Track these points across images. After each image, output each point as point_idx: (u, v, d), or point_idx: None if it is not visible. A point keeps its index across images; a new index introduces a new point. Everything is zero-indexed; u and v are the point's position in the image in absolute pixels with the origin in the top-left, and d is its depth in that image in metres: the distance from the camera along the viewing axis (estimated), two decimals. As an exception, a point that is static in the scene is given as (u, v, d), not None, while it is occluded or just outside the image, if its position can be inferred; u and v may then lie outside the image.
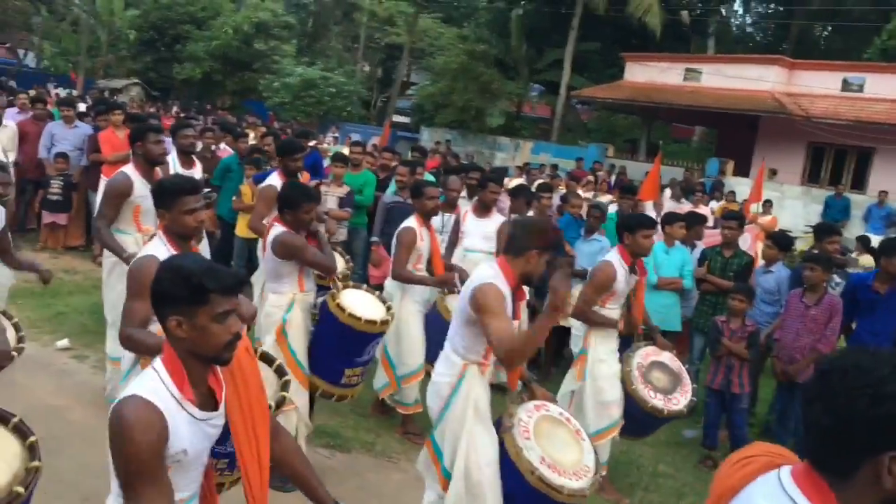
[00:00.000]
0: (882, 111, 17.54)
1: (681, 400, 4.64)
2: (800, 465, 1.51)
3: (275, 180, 5.62)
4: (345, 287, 4.52)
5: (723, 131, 23.40)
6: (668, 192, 11.84)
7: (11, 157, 8.27)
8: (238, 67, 29.79)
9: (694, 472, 5.55)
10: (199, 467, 2.13)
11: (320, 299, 4.48)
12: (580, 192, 10.19)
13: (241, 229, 7.24)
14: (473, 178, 7.44)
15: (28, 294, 6.87)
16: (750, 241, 9.27)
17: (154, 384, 1.96)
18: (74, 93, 22.25)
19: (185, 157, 6.15)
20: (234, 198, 7.45)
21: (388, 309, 4.51)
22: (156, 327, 2.62)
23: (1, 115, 8.65)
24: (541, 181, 9.87)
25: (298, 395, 4.22)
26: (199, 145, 8.09)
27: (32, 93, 12.13)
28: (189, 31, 29.87)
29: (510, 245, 3.42)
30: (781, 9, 28.93)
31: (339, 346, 4.32)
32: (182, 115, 18.96)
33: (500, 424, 3.38)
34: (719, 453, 5.65)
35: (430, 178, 8.57)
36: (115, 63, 31.91)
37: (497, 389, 3.77)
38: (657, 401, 4.56)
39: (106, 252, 4.97)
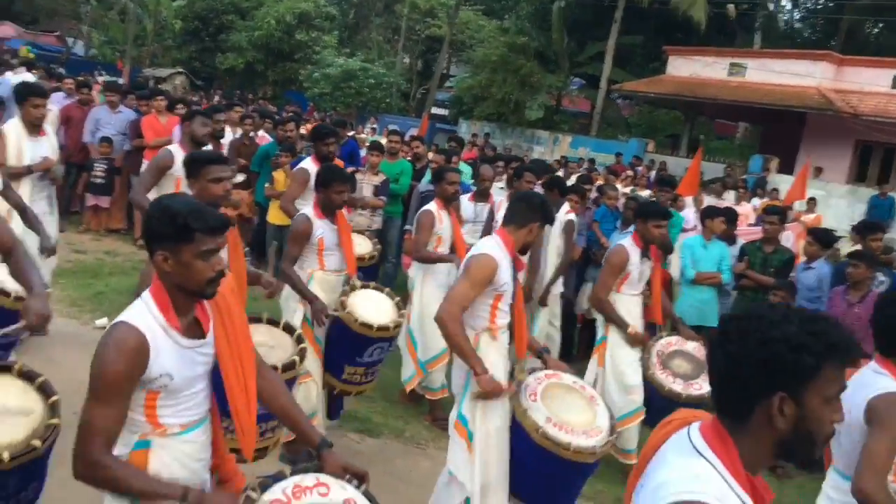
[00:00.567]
0: (934, 109, 17.07)
1: (703, 385, 4.45)
2: (707, 420, 1.59)
3: (308, 164, 5.85)
4: (363, 286, 4.48)
5: (767, 128, 22.95)
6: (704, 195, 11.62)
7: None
8: (280, 58, 30.08)
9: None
10: (194, 399, 2.20)
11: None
12: (618, 186, 10.07)
13: (274, 216, 7.29)
14: (512, 169, 7.40)
15: (70, 274, 7.03)
16: (793, 240, 9.08)
17: (140, 311, 2.11)
18: (120, 81, 22.65)
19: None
20: (265, 184, 7.51)
21: (401, 316, 4.46)
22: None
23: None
24: (580, 174, 9.79)
25: (314, 364, 4.28)
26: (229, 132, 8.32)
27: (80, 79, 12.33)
28: (233, 21, 30.26)
29: (512, 217, 3.59)
30: (831, 4, 28.24)
31: (339, 341, 4.34)
32: (223, 103, 19.17)
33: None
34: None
35: (466, 168, 8.56)
36: (161, 52, 32.45)
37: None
38: (675, 385, 4.48)
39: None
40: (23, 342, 4.47)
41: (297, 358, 3.24)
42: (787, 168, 18.62)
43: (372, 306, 4.33)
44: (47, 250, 5.05)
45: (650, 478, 1.59)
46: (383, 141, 9.61)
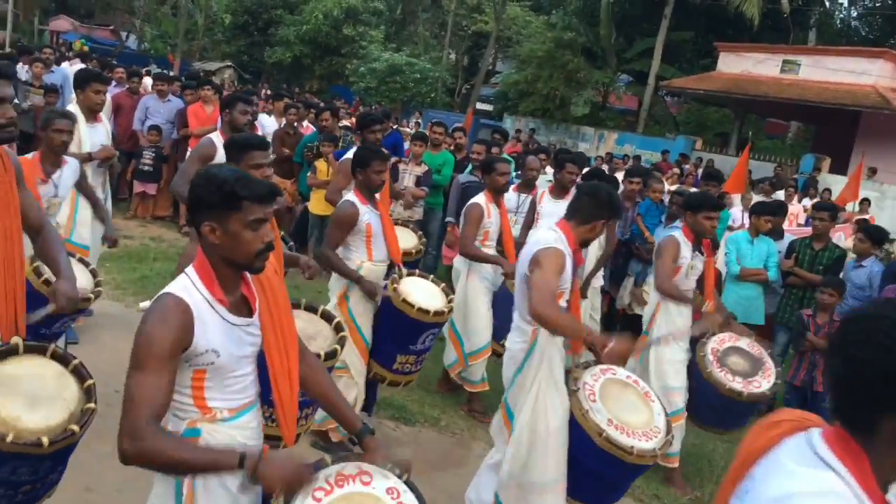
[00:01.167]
0: None
1: (763, 383, 4.32)
2: (830, 428, 1.40)
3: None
4: (409, 274, 4.45)
5: (820, 127, 22.34)
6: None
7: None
8: (327, 52, 30.34)
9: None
10: (242, 381, 2.13)
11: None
12: (665, 182, 9.90)
13: (315, 206, 7.32)
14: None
15: (115, 258, 7.16)
16: (844, 240, 8.83)
17: (185, 284, 2.03)
18: (171, 74, 23.06)
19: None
20: (308, 174, 7.54)
21: (450, 302, 4.42)
22: None
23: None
24: (628, 167, 9.66)
25: (353, 356, 4.25)
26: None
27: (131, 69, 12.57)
28: (281, 16, 30.62)
29: (577, 211, 3.45)
30: (890, 1, 27.39)
31: (392, 330, 4.28)
32: (270, 96, 19.38)
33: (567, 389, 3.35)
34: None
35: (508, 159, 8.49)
36: (211, 46, 32.99)
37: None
38: (735, 384, 4.33)
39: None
40: (72, 330, 4.52)
41: (338, 347, 3.22)
42: (839, 168, 18.10)
43: (422, 293, 4.30)
44: (110, 240, 5.16)
45: (763, 484, 1.41)
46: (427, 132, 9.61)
